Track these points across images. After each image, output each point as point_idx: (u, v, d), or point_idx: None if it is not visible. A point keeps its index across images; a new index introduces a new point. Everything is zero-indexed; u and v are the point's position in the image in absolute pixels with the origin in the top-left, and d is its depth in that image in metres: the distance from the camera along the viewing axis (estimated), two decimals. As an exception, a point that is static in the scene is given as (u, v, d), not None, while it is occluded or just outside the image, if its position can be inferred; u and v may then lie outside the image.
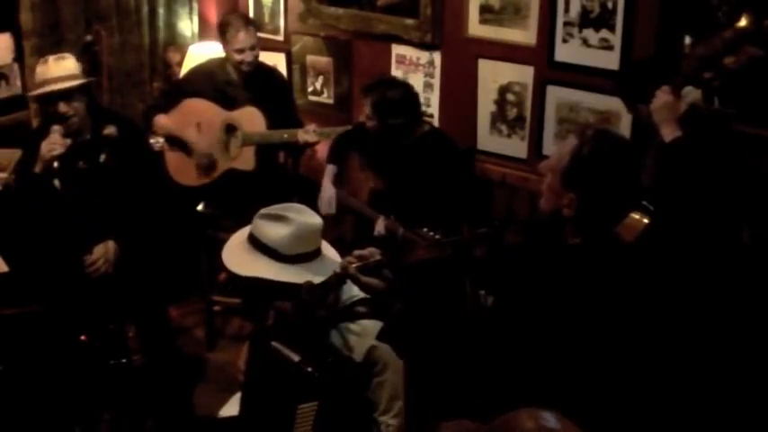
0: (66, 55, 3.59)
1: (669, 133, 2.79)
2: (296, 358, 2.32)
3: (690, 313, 2.52)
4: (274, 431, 2.37)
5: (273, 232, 2.37)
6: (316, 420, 2.29)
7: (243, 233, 2.48)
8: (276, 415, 2.37)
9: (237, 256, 2.43)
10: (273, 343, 2.40)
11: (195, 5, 4.90)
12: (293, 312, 2.47)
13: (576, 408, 1.50)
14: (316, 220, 2.43)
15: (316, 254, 2.42)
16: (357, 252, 2.29)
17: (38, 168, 3.41)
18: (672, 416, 2.26)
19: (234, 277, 2.41)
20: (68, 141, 3.42)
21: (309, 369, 2.29)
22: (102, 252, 3.47)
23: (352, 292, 2.48)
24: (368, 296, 2.44)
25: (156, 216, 3.67)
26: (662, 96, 2.87)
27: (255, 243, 2.40)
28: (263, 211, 2.43)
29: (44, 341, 3.35)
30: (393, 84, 3.75)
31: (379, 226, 3.46)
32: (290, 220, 2.38)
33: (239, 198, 4.06)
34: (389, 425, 2.41)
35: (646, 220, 2.72)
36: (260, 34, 4.80)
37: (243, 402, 2.56)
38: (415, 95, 3.80)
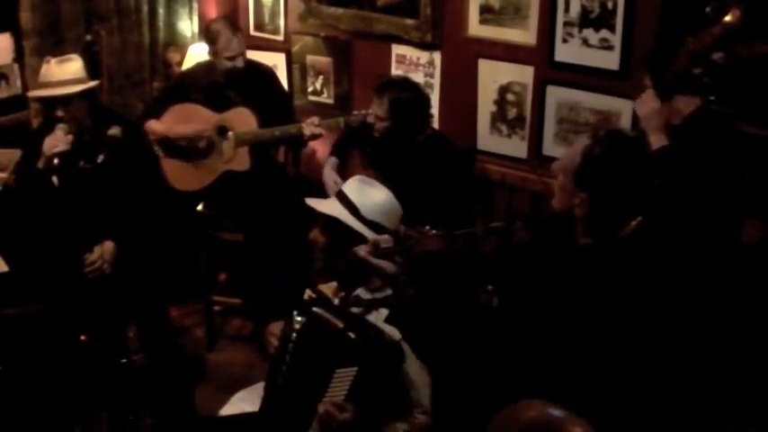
0: (72, 56, 3.58)
1: (656, 141, 2.79)
2: (340, 324, 2.37)
3: (696, 314, 2.52)
4: (306, 393, 2.38)
5: (363, 194, 2.53)
6: (351, 386, 2.30)
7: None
8: (310, 379, 2.39)
9: (321, 203, 2.60)
10: (315, 309, 2.48)
11: (195, 5, 4.90)
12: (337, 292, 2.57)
13: (583, 406, 1.50)
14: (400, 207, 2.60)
15: (387, 232, 2.53)
16: (372, 238, 2.35)
17: (40, 164, 3.42)
18: (667, 410, 2.27)
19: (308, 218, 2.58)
20: (71, 138, 3.42)
21: (353, 335, 2.32)
22: (100, 253, 3.48)
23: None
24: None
25: (155, 216, 3.67)
26: (648, 102, 2.87)
27: (342, 198, 2.54)
28: (359, 176, 2.66)
29: (44, 341, 3.35)
30: (406, 84, 3.75)
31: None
32: (383, 192, 2.56)
33: (239, 198, 4.06)
34: (415, 417, 2.42)
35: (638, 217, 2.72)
36: (260, 34, 4.83)
37: (269, 379, 2.58)
38: (426, 96, 3.81)
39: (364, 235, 2.49)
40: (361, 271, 2.55)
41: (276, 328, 2.69)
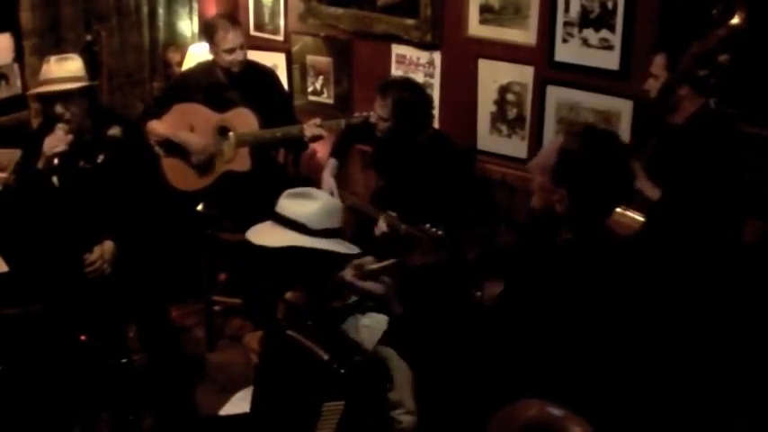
0: (72, 55, 3.59)
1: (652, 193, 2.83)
2: (325, 356, 2.32)
3: (682, 309, 2.53)
4: (294, 427, 2.36)
5: (301, 208, 2.44)
6: (340, 419, 2.29)
7: (262, 224, 2.53)
8: (297, 411, 2.36)
9: (265, 235, 2.47)
10: (289, 332, 2.42)
11: (195, 5, 4.91)
12: (306, 304, 2.52)
13: (575, 403, 1.50)
14: (338, 200, 2.59)
15: (340, 232, 2.49)
16: (355, 262, 2.34)
17: (40, 164, 3.42)
18: (665, 410, 2.27)
19: (259, 257, 2.45)
20: (71, 137, 3.43)
21: (340, 368, 2.29)
22: (100, 253, 3.48)
23: None
24: None
25: (155, 216, 3.67)
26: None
27: (282, 221, 2.45)
28: (286, 192, 2.52)
29: (44, 341, 3.36)
30: (409, 85, 3.75)
31: (381, 224, 3.46)
32: (316, 197, 2.48)
33: (239, 199, 4.06)
34: (400, 421, 2.41)
35: (641, 219, 2.73)
36: (260, 34, 4.83)
37: (256, 397, 2.55)
38: (429, 97, 3.81)
39: (322, 248, 2.41)
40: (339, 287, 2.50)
41: (252, 340, 2.66)
